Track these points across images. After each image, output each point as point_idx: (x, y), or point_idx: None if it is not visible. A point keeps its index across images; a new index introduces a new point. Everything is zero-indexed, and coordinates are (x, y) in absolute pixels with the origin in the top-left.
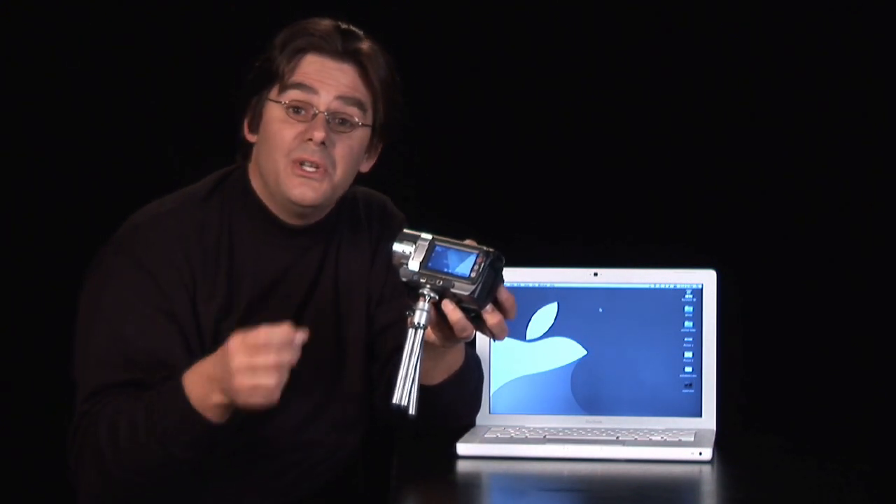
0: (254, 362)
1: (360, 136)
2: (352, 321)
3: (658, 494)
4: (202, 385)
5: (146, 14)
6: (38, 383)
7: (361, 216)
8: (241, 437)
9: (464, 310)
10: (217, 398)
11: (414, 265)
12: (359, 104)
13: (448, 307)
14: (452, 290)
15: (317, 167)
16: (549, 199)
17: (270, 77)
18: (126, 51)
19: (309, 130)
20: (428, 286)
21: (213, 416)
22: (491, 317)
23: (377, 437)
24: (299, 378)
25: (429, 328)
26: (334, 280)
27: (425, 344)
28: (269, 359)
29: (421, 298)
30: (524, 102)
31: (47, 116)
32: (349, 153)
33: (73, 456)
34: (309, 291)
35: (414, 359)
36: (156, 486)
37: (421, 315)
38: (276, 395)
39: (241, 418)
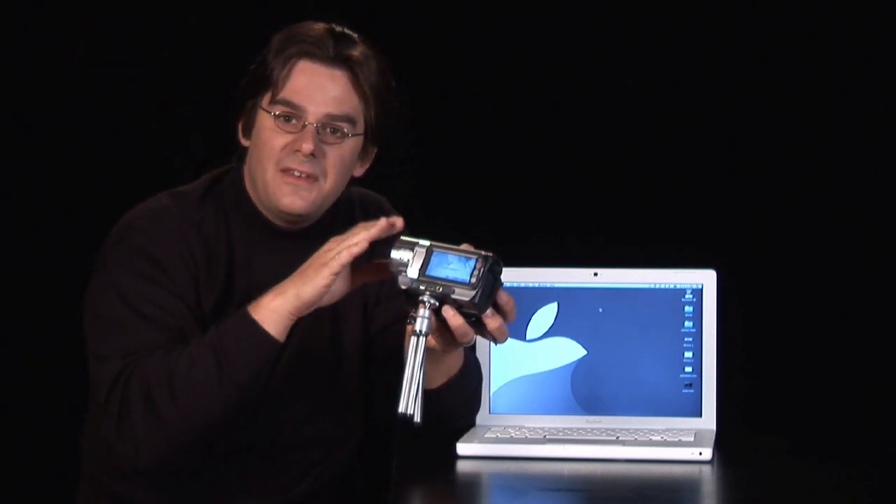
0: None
1: (351, 144)
2: (349, 322)
3: (658, 494)
4: (266, 297)
5: (145, 13)
6: (36, 386)
7: (357, 217)
8: (240, 436)
9: (464, 315)
10: (277, 301)
11: (413, 272)
12: (348, 119)
13: (448, 313)
14: (453, 296)
15: (306, 176)
16: (549, 199)
17: (263, 83)
18: (125, 51)
19: (297, 142)
20: (428, 293)
21: (272, 327)
22: (491, 321)
23: (377, 437)
24: (297, 378)
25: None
26: None
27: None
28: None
29: (421, 305)
30: (524, 102)
31: (47, 117)
32: (340, 162)
33: (113, 418)
34: None
35: (417, 366)
36: (206, 433)
37: (422, 322)
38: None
39: (243, 418)
